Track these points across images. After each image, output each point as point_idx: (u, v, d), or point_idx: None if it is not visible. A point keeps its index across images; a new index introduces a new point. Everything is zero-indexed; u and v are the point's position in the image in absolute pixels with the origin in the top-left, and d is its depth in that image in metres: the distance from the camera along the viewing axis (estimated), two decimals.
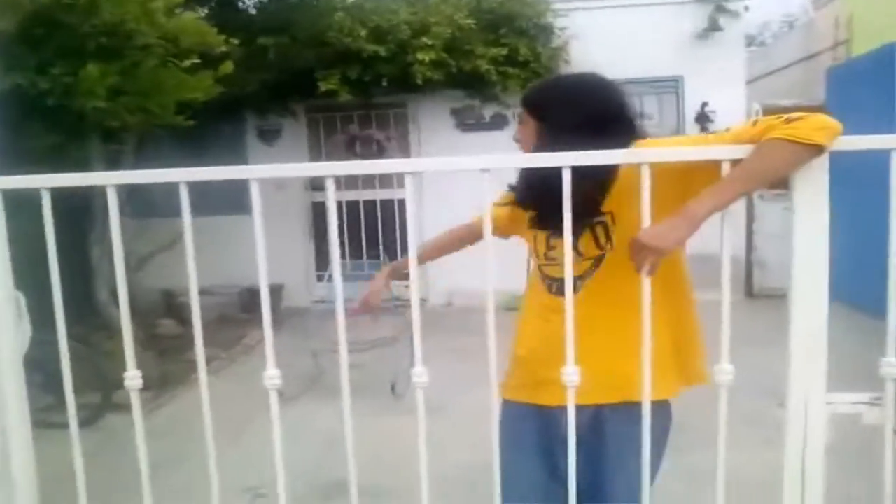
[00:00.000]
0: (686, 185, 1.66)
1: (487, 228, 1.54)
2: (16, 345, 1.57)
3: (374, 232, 8.38)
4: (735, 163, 1.51)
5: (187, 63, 5.03)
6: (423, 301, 7.08)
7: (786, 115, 1.53)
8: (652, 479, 1.79)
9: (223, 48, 5.32)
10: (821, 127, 1.46)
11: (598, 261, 1.87)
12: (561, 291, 1.85)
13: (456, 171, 1.56)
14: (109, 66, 4.46)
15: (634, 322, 1.56)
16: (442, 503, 1.58)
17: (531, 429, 1.80)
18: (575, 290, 1.82)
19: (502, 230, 2.22)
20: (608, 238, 1.86)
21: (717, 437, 1.51)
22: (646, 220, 1.51)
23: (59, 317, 1.58)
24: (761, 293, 8.08)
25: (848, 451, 1.61)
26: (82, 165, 5.49)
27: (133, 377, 1.59)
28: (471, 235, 2.41)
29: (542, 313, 1.94)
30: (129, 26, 4.52)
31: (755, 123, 1.56)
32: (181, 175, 1.49)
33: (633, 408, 1.62)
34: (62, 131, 4.91)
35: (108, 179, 1.52)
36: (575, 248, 1.84)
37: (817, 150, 1.46)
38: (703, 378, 1.95)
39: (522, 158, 1.90)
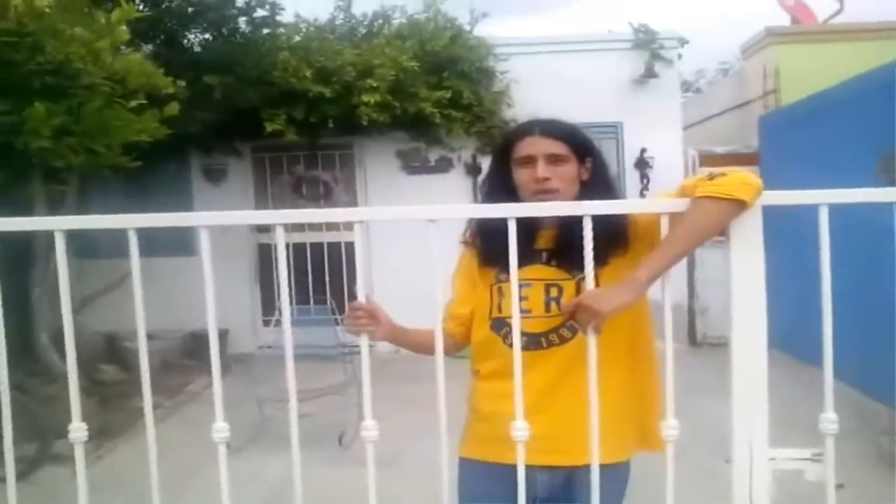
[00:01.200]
0: (650, 247, 1.67)
1: (438, 291, 1.55)
2: None
3: (320, 275, 8.32)
4: (673, 217, 1.56)
5: (133, 103, 4.97)
6: (371, 346, 7.03)
7: (709, 173, 1.58)
8: None
9: (170, 89, 5.28)
10: (742, 183, 1.51)
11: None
12: (534, 345, 1.87)
13: (403, 220, 1.57)
14: (55, 105, 4.38)
15: (610, 383, 1.58)
16: None
17: (499, 488, 1.75)
18: (552, 343, 1.88)
19: (469, 314, 2.08)
20: None
21: (663, 492, 1.53)
22: (590, 283, 1.54)
23: (1, 365, 1.54)
24: (705, 341, 8.18)
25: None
26: (24, 205, 5.38)
27: (78, 429, 1.55)
28: (452, 346, 2.10)
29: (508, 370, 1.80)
30: (74, 65, 4.46)
31: (694, 182, 1.60)
32: (130, 221, 1.48)
33: (607, 469, 1.63)
34: (5, 171, 4.80)
35: (57, 224, 1.50)
36: (557, 301, 1.87)
37: (739, 205, 1.50)
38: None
39: (466, 209, 1.91)
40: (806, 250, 3.39)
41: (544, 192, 1.85)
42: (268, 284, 8.56)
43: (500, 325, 1.93)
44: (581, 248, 1.50)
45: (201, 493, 3.63)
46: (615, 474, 1.89)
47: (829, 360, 1.53)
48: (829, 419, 1.52)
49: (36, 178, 5.36)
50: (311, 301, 6.59)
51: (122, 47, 5.01)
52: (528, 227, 1.80)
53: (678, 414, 1.54)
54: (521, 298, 1.83)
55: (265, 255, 8.53)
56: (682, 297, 7.97)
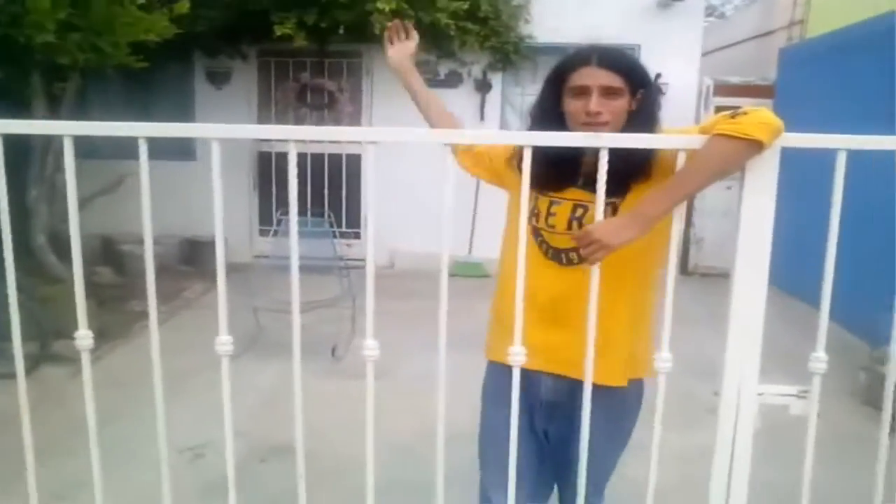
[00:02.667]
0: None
1: (448, 202, 1.52)
2: None
3: (319, 187, 8.29)
4: (690, 152, 1.55)
5: (142, 0, 4.84)
6: (364, 262, 7.05)
7: (731, 111, 1.56)
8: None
9: None
10: (762, 123, 1.49)
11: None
12: (556, 258, 1.94)
13: (415, 143, 1.56)
14: None
15: (615, 308, 1.60)
16: (384, 469, 1.58)
17: (509, 388, 1.80)
18: (570, 261, 1.93)
19: (486, 169, 2.18)
20: None
21: (651, 415, 1.56)
22: (599, 213, 1.55)
23: (9, 268, 1.54)
24: (696, 270, 8.24)
25: (770, 436, 1.67)
26: (22, 103, 5.30)
27: (84, 336, 1.55)
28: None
29: (537, 274, 1.85)
30: None
31: (715, 120, 1.59)
32: (140, 130, 1.44)
33: (607, 390, 1.66)
34: (6, 67, 4.70)
35: (67, 129, 1.47)
36: (580, 220, 1.91)
37: (757, 145, 1.49)
38: (645, 372, 2.02)
39: (483, 134, 1.89)
40: (805, 185, 3.39)
41: (594, 125, 1.82)
42: (266, 194, 8.52)
43: (536, 234, 1.98)
44: (613, 174, 1.50)
45: (196, 396, 3.69)
46: (620, 394, 1.96)
47: (826, 305, 1.55)
48: (819, 358, 1.56)
49: (35, 76, 5.26)
50: (309, 213, 6.57)
51: None
52: (572, 154, 1.80)
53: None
54: (550, 214, 1.93)
55: (265, 164, 8.47)
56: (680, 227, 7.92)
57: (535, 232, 1.98)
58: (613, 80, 1.83)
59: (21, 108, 5.21)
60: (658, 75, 8.00)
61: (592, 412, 1.58)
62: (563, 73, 1.92)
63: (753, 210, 1.50)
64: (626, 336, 1.94)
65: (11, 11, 4.21)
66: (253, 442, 3.70)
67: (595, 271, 1.56)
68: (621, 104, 1.85)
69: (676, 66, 7.99)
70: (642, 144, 1.71)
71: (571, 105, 1.88)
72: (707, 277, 7.72)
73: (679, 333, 1.60)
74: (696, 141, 1.54)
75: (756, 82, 8.30)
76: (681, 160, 1.55)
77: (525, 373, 1.60)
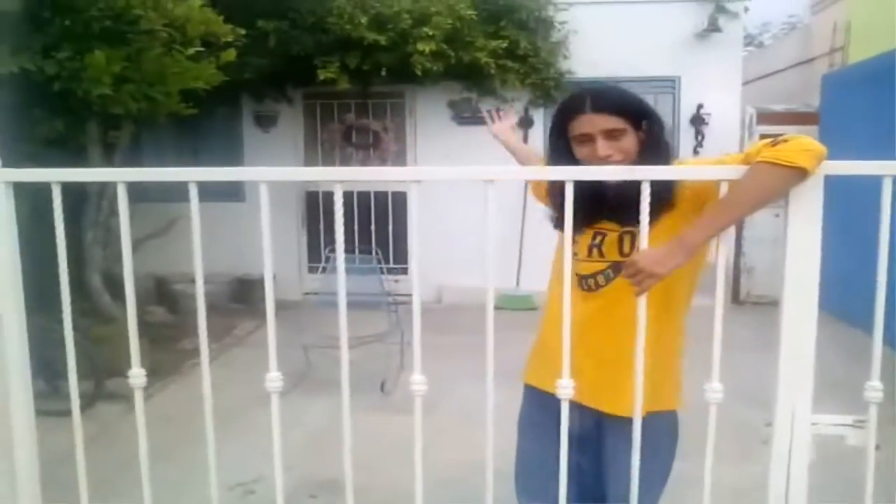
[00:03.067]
0: (701, 209, 1.71)
1: (489, 235, 1.54)
2: (23, 337, 1.58)
3: (366, 225, 8.37)
4: (732, 180, 1.56)
5: (191, 50, 5.01)
6: (411, 297, 7.07)
7: (773, 139, 1.57)
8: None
9: (229, 37, 5.30)
10: (803, 150, 1.49)
11: (616, 268, 1.92)
12: (580, 286, 1.99)
13: (458, 180, 1.60)
14: (115, 52, 4.43)
15: (651, 337, 1.63)
16: (432, 503, 1.59)
17: (546, 414, 1.81)
18: (590, 287, 1.98)
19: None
20: (633, 249, 1.89)
21: (703, 447, 1.54)
22: (643, 242, 1.57)
23: (65, 310, 1.60)
24: (748, 299, 8.10)
25: (828, 466, 1.63)
26: (80, 152, 5.47)
27: (138, 374, 1.60)
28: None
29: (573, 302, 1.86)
30: (134, 11, 4.49)
31: (758, 148, 1.60)
32: (191, 175, 1.49)
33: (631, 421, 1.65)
34: (65, 117, 4.87)
35: (120, 176, 1.54)
36: (598, 247, 1.95)
37: (800, 173, 1.49)
38: (675, 403, 2.03)
39: (525, 170, 1.92)
40: (856, 210, 3.33)
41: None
42: (314, 232, 8.63)
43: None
44: (631, 204, 1.53)
45: (246, 432, 3.73)
46: (649, 429, 1.90)
47: (880, 333, 1.53)
48: (875, 387, 1.54)
49: (92, 125, 5.43)
50: (357, 250, 6.64)
51: None
52: (596, 191, 1.83)
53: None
54: (574, 242, 1.90)
55: (312, 203, 8.59)
56: (727, 256, 7.83)
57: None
58: (612, 122, 1.86)
59: (77, 156, 5.38)
60: (699, 106, 7.99)
61: (619, 445, 1.57)
62: (563, 123, 1.96)
63: (800, 238, 1.49)
64: (651, 363, 1.88)
65: (71, 67, 4.39)
66: (302, 477, 3.71)
67: (642, 302, 1.57)
68: (629, 141, 1.88)
69: (717, 97, 7.98)
70: (683, 176, 1.73)
71: (581, 152, 1.91)
72: (759, 306, 7.58)
73: (732, 363, 1.59)
74: (736, 171, 1.55)
75: (800, 109, 8.21)
76: (722, 189, 1.55)
77: (554, 401, 1.62)
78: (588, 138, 1.88)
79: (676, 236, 1.63)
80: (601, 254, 1.94)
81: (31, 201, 1.57)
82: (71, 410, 1.66)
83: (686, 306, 2.02)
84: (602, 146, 1.85)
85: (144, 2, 4.54)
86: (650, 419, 1.94)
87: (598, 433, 1.97)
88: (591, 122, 1.87)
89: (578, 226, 1.91)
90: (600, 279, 1.96)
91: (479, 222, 6.57)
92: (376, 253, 6.24)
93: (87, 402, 4.53)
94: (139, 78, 4.78)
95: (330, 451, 3.71)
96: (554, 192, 2.02)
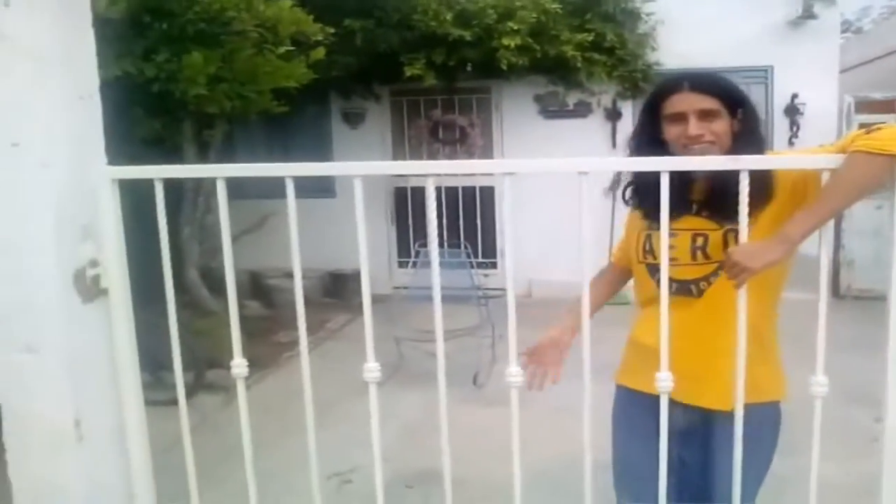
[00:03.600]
0: (801, 202, 1.68)
1: (585, 228, 1.51)
2: (132, 329, 1.64)
3: (454, 220, 8.40)
4: (831, 173, 1.51)
5: (282, 50, 5.13)
6: (502, 291, 7.05)
7: (867, 128, 1.53)
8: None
9: (319, 36, 5.40)
10: None
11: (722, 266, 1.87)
12: (680, 292, 1.91)
13: (551, 173, 1.57)
14: (210, 53, 4.59)
15: (752, 331, 1.58)
16: (528, 496, 1.57)
17: (644, 412, 1.77)
18: (698, 292, 1.92)
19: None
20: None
21: (802, 445, 1.48)
22: (742, 236, 1.51)
23: (170, 303, 1.65)
24: (849, 293, 7.77)
25: None
26: (176, 151, 5.66)
27: (239, 364, 1.64)
28: (619, 275, 2.34)
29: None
30: (228, 13, 4.63)
31: (851, 137, 1.56)
32: (287, 170, 1.52)
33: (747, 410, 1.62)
34: (162, 118, 5.06)
35: (219, 172, 1.57)
36: (703, 249, 1.88)
37: (894, 160, 1.44)
38: (778, 394, 1.99)
39: (619, 162, 1.87)
40: None
41: (697, 147, 1.83)
42: (403, 227, 8.71)
43: (654, 271, 1.95)
44: (731, 199, 1.48)
45: (340, 423, 3.79)
46: (758, 414, 1.87)
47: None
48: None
49: (187, 124, 5.61)
50: (445, 244, 6.66)
51: None
52: (682, 180, 1.78)
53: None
54: (669, 247, 1.83)
55: (401, 199, 8.67)
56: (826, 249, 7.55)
57: (652, 269, 1.97)
58: (708, 103, 1.84)
59: (173, 155, 5.56)
60: (794, 96, 7.71)
61: (725, 440, 1.52)
62: (657, 102, 1.93)
63: None
64: (751, 361, 1.86)
65: (168, 69, 4.56)
66: (398, 468, 3.74)
67: (742, 295, 1.51)
68: (722, 125, 1.85)
69: (813, 86, 7.67)
70: (782, 165, 1.67)
71: (671, 132, 1.89)
72: (860, 301, 7.27)
73: (834, 359, 1.52)
74: (833, 160, 1.49)
75: None
76: (824, 179, 1.49)
77: (657, 399, 1.57)
78: (681, 118, 1.86)
79: (768, 228, 1.60)
80: (706, 256, 1.88)
81: (130, 199, 1.62)
82: (173, 400, 1.71)
83: (779, 295, 1.98)
84: (694, 125, 1.83)
85: (237, 4, 4.66)
86: (754, 410, 1.89)
87: (703, 428, 1.94)
88: (685, 101, 1.85)
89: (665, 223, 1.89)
90: (708, 281, 1.90)
91: (568, 215, 6.53)
92: (465, 247, 6.25)
93: (189, 392, 4.65)
94: (232, 77, 4.92)
95: (424, 442, 3.75)
96: (639, 185, 2.02)
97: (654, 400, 1.57)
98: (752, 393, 1.89)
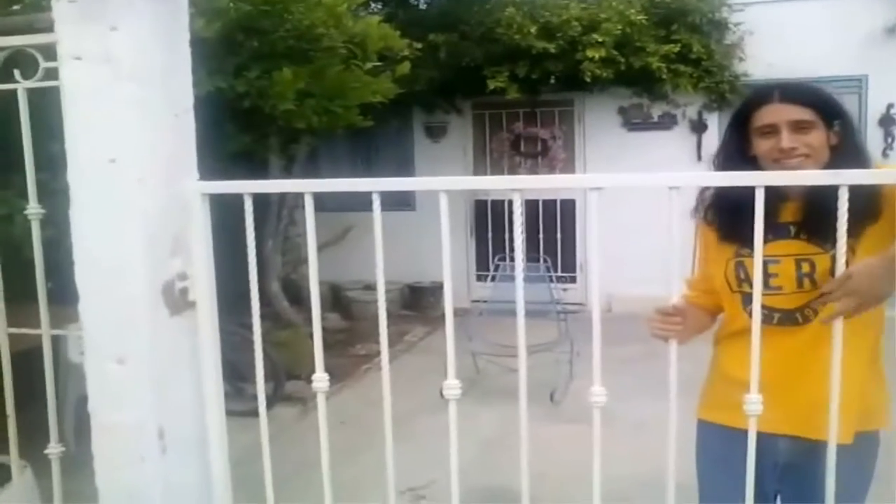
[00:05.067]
0: None
1: (674, 244, 1.46)
2: (217, 341, 1.67)
3: (534, 233, 8.35)
4: None
5: (369, 65, 5.21)
6: (580, 306, 6.99)
7: None
8: None
9: (405, 52, 5.47)
10: None
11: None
12: (784, 322, 1.81)
13: (640, 187, 1.54)
14: (300, 69, 4.69)
15: (852, 360, 1.49)
16: None
17: (738, 452, 1.64)
18: (807, 319, 1.80)
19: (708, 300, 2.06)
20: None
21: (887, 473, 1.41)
22: (840, 261, 1.37)
23: (255, 317, 1.68)
24: None
25: None
26: (261, 164, 5.79)
27: (321, 378, 1.65)
28: (712, 306, 2.09)
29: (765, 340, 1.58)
30: (317, 30, 4.73)
31: None
32: (375, 185, 1.53)
33: (849, 447, 1.55)
34: (252, 132, 5.20)
35: (307, 187, 1.59)
36: (810, 276, 1.77)
37: None
38: (884, 422, 1.88)
39: (709, 176, 1.79)
40: None
41: (790, 161, 1.73)
42: (482, 240, 8.71)
43: (747, 301, 1.83)
44: (833, 219, 1.34)
45: (416, 437, 3.80)
46: (852, 451, 1.76)
47: None
48: None
49: (273, 139, 5.74)
50: (524, 258, 6.63)
51: (360, 10, 5.23)
52: (772, 200, 1.62)
53: None
54: (769, 275, 1.78)
55: (480, 212, 8.67)
56: None
57: (747, 298, 1.83)
58: (802, 114, 1.73)
59: (259, 168, 5.69)
60: (890, 106, 7.41)
61: (836, 470, 1.44)
62: (747, 114, 1.84)
63: None
64: (863, 388, 1.78)
65: (259, 85, 4.68)
66: (472, 485, 3.72)
67: (837, 325, 1.41)
68: (817, 137, 1.74)
69: None
70: (887, 179, 1.58)
71: (762, 146, 1.79)
72: None
73: None
74: None
75: None
76: None
77: (758, 436, 1.47)
78: (772, 129, 1.76)
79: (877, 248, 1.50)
80: (814, 283, 1.76)
81: (217, 211, 1.66)
82: (251, 411, 1.74)
83: (885, 315, 1.85)
84: (787, 138, 1.73)
85: (326, 21, 4.76)
86: (862, 439, 1.81)
87: (808, 461, 1.80)
88: (777, 112, 1.75)
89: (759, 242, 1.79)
90: (813, 308, 1.79)
91: (649, 229, 6.43)
92: (545, 261, 6.21)
93: (268, 403, 4.75)
94: (320, 93, 5.02)
95: (500, 459, 3.73)
96: (724, 205, 1.88)
97: (760, 436, 1.47)
98: (863, 420, 1.82)
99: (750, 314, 1.78)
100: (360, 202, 1.59)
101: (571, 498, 2.39)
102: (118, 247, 1.54)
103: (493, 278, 6.30)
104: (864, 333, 1.75)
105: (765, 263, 1.76)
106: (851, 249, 1.62)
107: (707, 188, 1.95)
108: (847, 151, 1.76)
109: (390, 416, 1.63)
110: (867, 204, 1.62)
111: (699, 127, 7.95)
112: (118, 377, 1.58)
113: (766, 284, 1.79)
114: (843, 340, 1.41)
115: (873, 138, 7.47)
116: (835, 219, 1.34)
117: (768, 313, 1.80)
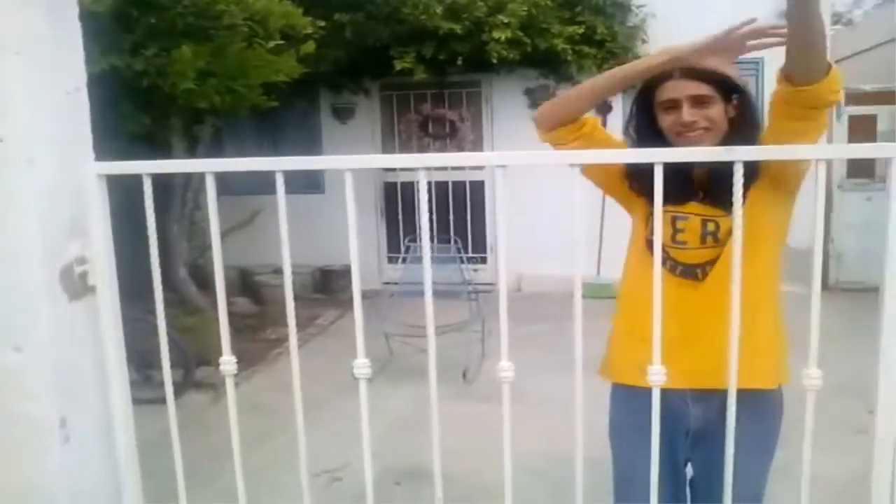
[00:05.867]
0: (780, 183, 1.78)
1: (578, 222, 1.50)
2: (120, 326, 1.62)
3: (444, 214, 8.38)
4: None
5: (271, 44, 5.11)
6: (491, 286, 7.06)
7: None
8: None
9: (308, 30, 5.38)
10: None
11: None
12: (688, 275, 1.90)
13: (544, 165, 1.56)
14: (200, 47, 4.57)
15: (755, 310, 1.63)
16: (518, 493, 1.56)
17: (648, 414, 1.70)
18: (706, 274, 1.90)
19: (598, 176, 2.04)
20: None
21: (798, 436, 1.47)
22: (737, 228, 1.46)
23: (158, 301, 1.63)
24: (837, 286, 7.78)
25: None
26: (164, 146, 5.62)
27: (228, 362, 1.62)
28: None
29: (666, 293, 1.65)
30: (217, 7, 4.60)
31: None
32: (278, 164, 1.50)
33: (757, 394, 1.61)
34: (151, 113, 5.04)
35: (208, 167, 1.55)
36: (714, 234, 1.87)
37: None
38: (786, 378, 1.95)
39: (612, 153, 1.86)
40: None
41: (692, 135, 1.83)
42: (392, 222, 8.69)
43: (662, 253, 1.89)
44: (731, 187, 1.44)
45: (329, 421, 3.78)
46: (767, 401, 1.90)
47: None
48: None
49: (176, 120, 5.58)
50: (435, 239, 6.65)
51: None
52: (683, 167, 1.80)
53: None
54: (678, 230, 1.89)
55: (390, 194, 8.65)
56: (811, 241, 7.58)
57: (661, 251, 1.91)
58: (701, 89, 1.83)
59: (162, 151, 5.53)
60: None
61: (742, 421, 1.49)
62: (649, 89, 1.94)
63: None
64: (771, 337, 1.89)
65: (157, 63, 4.54)
66: (387, 465, 3.73)
67: (735, 275, 1.48)
68: (716, 111, 1.84)
69: None
70: (777, 156, 1.66)
71: (665, 120, 1.88)
72: (849, 293, 7.29)
73: (823, 351, 1.51)
74: (829, 150, 1.48)
75: (892, 88, 7.86)
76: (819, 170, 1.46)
77: (665, 396, 1.51)
78: (674, 104, 1.85)
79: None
80: (717, 240, 1.87)
81: (118, 195, 1.60)
82: (161, 398, 1.70)
83: (777, 276, 1.95)
84: (687, 112, 1.82)
85: None
86: (765, 396, 1.89)
87: (721, 420, 1.85)
88: (678, 88, 1.85)
89: (670, 206, 1.81)
90: (712, 264, 1.88)
91: (557, 209, 6.53)
92: (455, 242, 6.24)
93: (177, 390, 4.60)
94: (222, 72, 4.90)
95: (413, 438, 3.74)
96: (632, 173, 1.97)
97: (666, 393, 1.52)
98: (778, 373, 1.91)
99: (666, 270, 1.89)
100: (267, 185, 1.55)
101: (485, 474, 2.43)
102: (10, 230, 1.47)
103: (404, 259, 6.30)
104: (761, 286, 1.85)
105: (675, 219, 1.88)
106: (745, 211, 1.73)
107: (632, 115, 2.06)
108: (744, 123, 1.87)
109: (300, 401, 1.61)
110: (755, 170, 1.74)
111: (604, 108, 8.08)
112: (15, 366, 1.51)
113: (673, 238, 1.90)
114: (745, 294, 1.47)
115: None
116: (731, 188, 1.43)
117: (673, 264, 1.91)
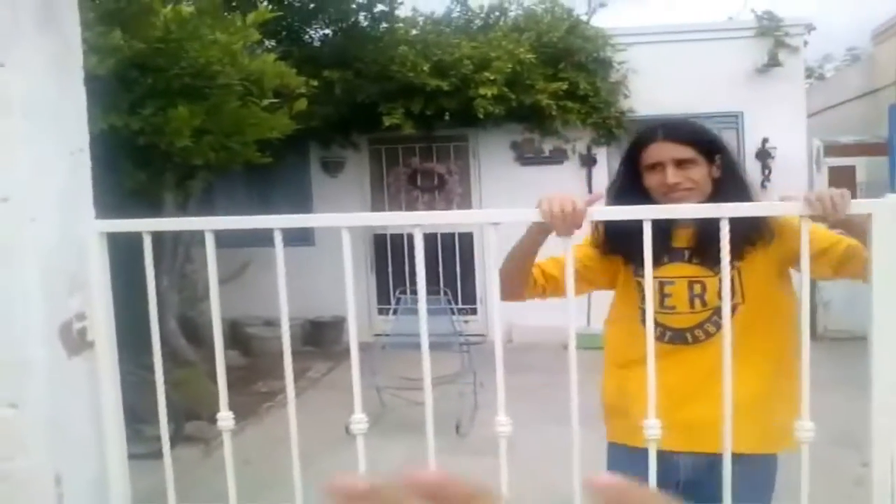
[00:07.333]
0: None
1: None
2: (118, 382, 1.63)
3: (433, 266, 8.41)
4: None
5: (265, 102, 5.19)
6: (482, 337, 7.06)
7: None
8: None
9: (302, 89, 5.48)
10: None
11: (719, 312, 1.83)
12: (678, 339, 1.93)
13: (530, 220, 1.60)
14: (196, 106, 4.64)
15: (750, 375, 1.63)
16: None
17: (643, 471, 1.67)
18: (697, 339, 1.92)
19: (585, 278, 2.05)
20: (738, 290, 1.86)
21: (794, 490, 1.49)
22: (726, 283, 1.51)
23: (156, 357, 1.65)
24: (826, 335, 7.80)
25: None
26: (156, 201, 5.66)
27: (225, 418, 1.63)
28: (545, 284, 2.13)
29: (659, 363, 1.67)
30: (213, 67, 4.70)
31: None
32: (276, 222, 1.54)
33: (749, 458, 1.62)
34: (147, 169, 5.10)
35: (207, 224, 1.59)
36: (701, 297, 1.90)
37: None
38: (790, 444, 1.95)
39: (602, 210, 1.88)
40: None
41: (677, 194, 1.88)
42: (382, 274, 8.71)
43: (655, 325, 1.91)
44: (719, 245, 1.50)
45: (323, 475, 3.72)
46: (759, 465, 1.91)
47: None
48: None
49: (169, 175, 5.63)
50: (426, 291, 6.66)
51: (255, 48, 5.22)
52: (665, 227, 1.83)
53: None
54: (665, 295, 1.92)
55: (380, 246, 8.68)
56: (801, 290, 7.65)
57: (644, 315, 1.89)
58: (684, 152, 1.89)
59: (153, 205, 5.56)
60: (765, 140, 7.88)
61: (734, 484, 1.52)
62: (635, 152, 1.99)
63: (885, 265, 1.44)
64: (763, 404, 1.88)
65: (155, 122, 4.61)
66: None
67: (726, 341, 1.52)
68: (700, 171, 1.90)
69: (782, 130, 7.89)
70: (763, 212, 1.72)
71: (651, 180, 1.94)
72: (837, 342, 7.31)
73: (813, 399, 1.54)
74: (803, 207, 1.54)
75: (868, 140, 8.01)
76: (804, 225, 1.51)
77: (659, 454, 1.56)
78: (659, 167, 1.91)
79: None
80: (704, 303, 1.90)
81: (111, 248, 1.63)
82: (151, 453, 1.71)
83: (790, 343, 1.91)
84: (671, 174, 1.88)
85: (222, 59, 4.73)
86: (765, 459, 1.93)
87: (711, 477, 1.81)
88: (662, 150, 1.91)
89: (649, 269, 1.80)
90: (709, 328, 1.90)
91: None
92: (445, 293, 6.26)
93: (168, 445, 4.63)
94: (218, 129, 4.97)
95: None
96: (610, 236, 2.01)
97: (661, 454, 1.56)
98: (769, 439, 1.91)
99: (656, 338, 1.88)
100: (258, 237, 1.59)
101: None
102: (11, 287, 1.49)
103: (395, 311, 6.30)
104: (763, 350, 1.87)
105: (661, 284, 1.90)
106: (737, 270, 1.80)
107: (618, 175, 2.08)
108: (729, 183, 1.92)
109: (297, 456, 1.62)
110: (749, 229, 1.77)
111: (589, 161, 8.22)
112: (11, 422, 1.52)
113: (661, 304, 1.92)
114: (740, 358, 1.51)
115: (751, 171, 7.88)
116: (717, 245, 1.50)
117: (662, 331, 1.92)
